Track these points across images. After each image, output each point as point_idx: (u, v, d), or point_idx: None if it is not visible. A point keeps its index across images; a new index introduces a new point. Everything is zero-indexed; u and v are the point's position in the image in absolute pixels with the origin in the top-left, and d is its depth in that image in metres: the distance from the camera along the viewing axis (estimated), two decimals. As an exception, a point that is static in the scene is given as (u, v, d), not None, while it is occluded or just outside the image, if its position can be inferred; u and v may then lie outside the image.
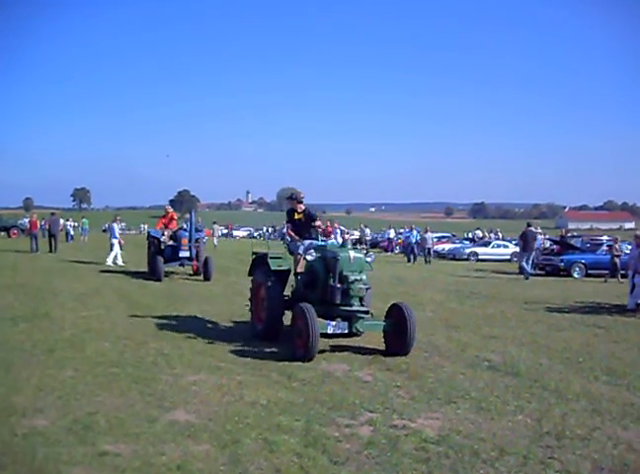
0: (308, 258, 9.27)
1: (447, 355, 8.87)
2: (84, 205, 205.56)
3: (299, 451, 5.08)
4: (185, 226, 20.45)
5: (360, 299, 8.88)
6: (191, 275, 20.34)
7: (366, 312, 8.78)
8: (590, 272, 25.65)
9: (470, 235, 52.79)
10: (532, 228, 25.36)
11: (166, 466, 4.72)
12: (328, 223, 30.49)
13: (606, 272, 24.66)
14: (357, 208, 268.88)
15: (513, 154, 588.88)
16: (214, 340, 9.58)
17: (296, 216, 10.43)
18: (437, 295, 16.65)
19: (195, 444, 5.19)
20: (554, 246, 30.19)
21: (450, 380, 7.51)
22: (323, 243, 10.20)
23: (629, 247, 21.68)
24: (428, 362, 8.34)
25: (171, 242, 19.61)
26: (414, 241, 33.04)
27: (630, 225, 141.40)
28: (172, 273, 20.29)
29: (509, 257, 35.53)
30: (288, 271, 9.93)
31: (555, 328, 11.70)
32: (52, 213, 33.98)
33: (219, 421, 5.80)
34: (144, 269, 20.55)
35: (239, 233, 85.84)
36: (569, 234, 39.12)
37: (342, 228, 34.65)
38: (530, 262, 24.15)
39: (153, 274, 18.83)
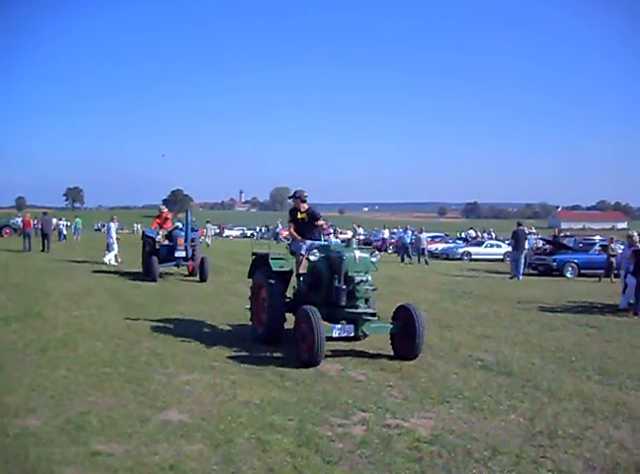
0: (312, 258, 8.96)
1: (440, 354, 8.88)
2: (77, 205, 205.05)
3: (292, 451, 5.08)
4: (180, 226, 20.18)
5: (366, 301, 8.66)
6: (186, 275, 20.04)
7: (373, 314, 8.56)
8: (582, 271, 25.75)
9: (463, 235, 52.89)
10: (523, 228, 25.49)
11: (159, 466, 4.71)
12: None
13: (599, 271, 24.78)
14: (350, 208, 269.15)
15: (506, 154, 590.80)
16: (208, 339, 9.56)
17: (299, 216, 10.07)
18: (430, 295, 16.67)
19: (188, 444, 5.19)
20: (547, 246, 30.29)
21: (443, 380, 7.52)
22: (326, 243, 9.88)
23: (621, 247, 21.74)
24: (421, 362, 8.34)
25: (166, 242, 19.30)
26: (408, 241, 33.07)
27: (623, 225, 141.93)
28: (167, 273, 20.07)
29: (502, 256, 35.60)
30: (290, 272, 9.59)
31: (548, 327, 11.73)
32: (45, 213, 33.86)
33: (212, 420, 5.79)
34: (138, 269, 20.42)
35: (232, 233, 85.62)
36: (562, 234, 39.21)
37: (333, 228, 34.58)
38: (522, 262, 24.17)
39: (148, 274, 18.52)
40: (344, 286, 8.39)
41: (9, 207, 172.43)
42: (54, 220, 45.65)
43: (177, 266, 19.45)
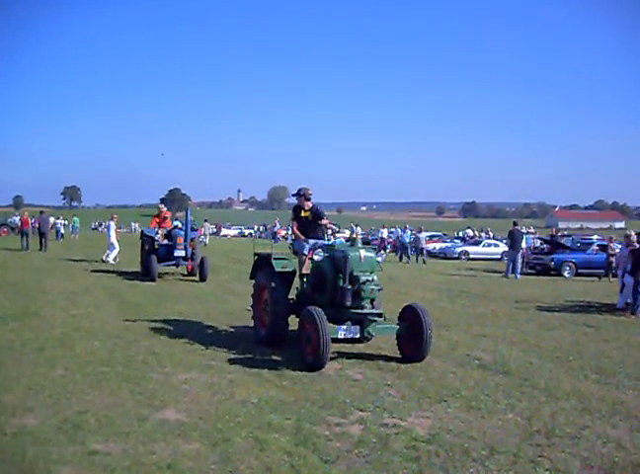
0: (316, 258, 8.72)
1: (438, 353, 8.87)
2: (74, 203, 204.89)
3: (290, 450, 5.08)
4: (180, 225, 19.99)
5: (371, 301, 8.38)
6: (185, 275, 19.86)
7: (380, 315, 8.34)
8: (580, 271, 25.77)
9: (461, 234, 52.93)
10: (519, 227, 25.68)
11: (156, 465, 4.71)
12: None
13: (596, 271, 24.85)
14: (348, 207, 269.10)
15: (504, 154, 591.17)
16: (205, 338, 9.56)
17: (303, 214, 9.81)
18: (428, 294, 16.68)
19: (185, 443, 5.18)
20: (545, 245, 30.33)
21: (441, 379, 7.52)
22: (330, 242, 9.68)
23: (619, 246, 21.78)
24: (417, 362, 8.34)
25: (165, 241, 19.05)
26: (407, 241, 33.08)
27: (620, 225, 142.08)
28: (166, 273, 19.86)
29: (499, 256, 35.64)
30: (293, 272, 9.36)
31: (545, 327, 11.74)
32: (42, 212, 33.80)
33: (210, 419, 5.79)
34: (136, 268, 20.29)
35: (230, 232, 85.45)
36: (559, 233, 39.30)
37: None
38: (519, 261, 24.26)
39: (147, 274, 18.26)
40: (349, 286, 8.18)
41: (6, 206, 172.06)
42: (52, 219, 45.66)
43: (176, 265, 19.14)
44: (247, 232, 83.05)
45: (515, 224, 25.22)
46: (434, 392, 6.91)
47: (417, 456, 5.03)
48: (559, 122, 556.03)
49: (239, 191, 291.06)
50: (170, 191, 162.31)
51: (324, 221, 9.79)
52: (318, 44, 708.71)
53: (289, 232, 63.04)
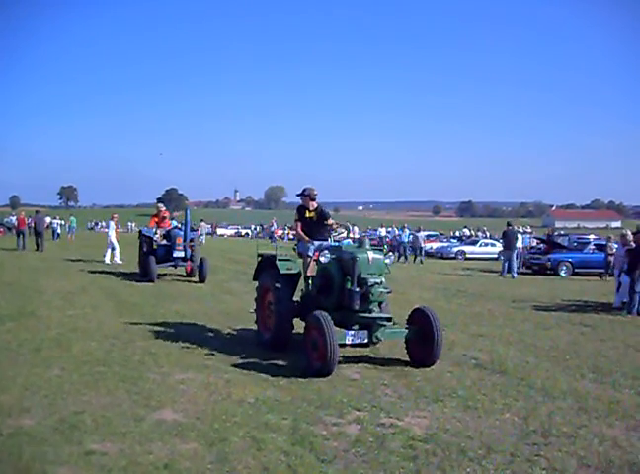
0: (322, 259, 8.40)
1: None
2: (71, 203, 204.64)
3: (287, 450, 5.08)
4: (179, 225, 19.75)
5: (379, 304, 8.14)
6: (184, 276, 19.49)
7: (389, 319, 7.96)
8: (577, 270, 25.81)
9: (458, 234, 52.96)
10: (513, 227, 25.92)
11: (153, 465, 4.70)
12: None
13: (593, 270, 24.94)
14: (345, 207, 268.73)
15: (500, 153, 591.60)
16: (202, 338, 9.55)
17: (308, 215, 9.53)
18: (424, 294, 16.69)
19: (182, 443, 5.18)
20: (541, 245, 30.38)
21: (438, 379, 7.52)
22: (336, 243, 9.42)
23: (615, 246, 21.82)
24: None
25: (164, 241, 18.65)
26: (406, 240, 33.10)
27: (617, 224, 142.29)
28: (164, 274, 19.57)
29: (496, 255, 35.66)
30: (299, 274, 9.11)
31: (542, 326, 11.76)
32: (37, 211, 33.79)
33: (207, 419, 5.78)
34: (134, 268, 20.13)
35: (227, 231, 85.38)
36: (556, 233, 39.34)
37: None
38: (514, 260, 24.42)
39: (145, 275, 17.93)
40: (357, 289, 7.90)
41: (3, 206, 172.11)
42: (48, 219, 45.58)
43: (175, 266, 18.84)
44: (244, 232, 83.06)
45: (508, 224, 25.60)
46: (430, 392, 6.91)
47: (414, 456, 5.03)
48: (556, 122, 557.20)
49: (236, 190, 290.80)
50: (167, 190, 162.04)
51: (330, 222, 9.55)
52: (315, 44, 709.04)
53: (285, 232, 62.84)
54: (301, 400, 6.46)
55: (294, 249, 9.73)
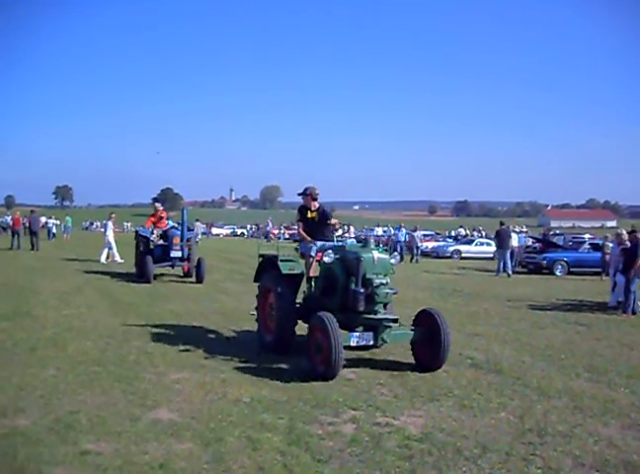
0: (326, 259, 8.21)
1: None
2: (66, 203, 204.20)
3: (283, 449, 5.08)
4: (176, 225, 19.54)
5: (384, 305, 7.99)
6: (181, 276, 19.22)
7: (395, 320, 7.73)
8: (572, 270, 25.87)
9: (453, 233, 53.01)
10: (506, 226, 26.17)
11: (148, 465, 4.69)
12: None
13: (588, 269, 25.03)
14: (340, 206, 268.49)
15: (496, 153, 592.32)
16: (198, 338, 9.55)
17: (309, 215, 9.38)
18: (420, 293, 16.71)
19: (177, 443, 5.17)
20: (537, 244, 30.45)
21: (433, 378, 7.53)
22: (340, 243, 9.21)
23: (611, 245, 21.88)
24: (410, 360, 8.34)
25: (161, 241, 18.42)
26: (402, 240, 33.13)
27: (612, 224, 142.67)
28: (161, 274, 19.32)
29: (492, 255, 35.69)
30: (301, 275, 8.92)
31: (538, 326, 11.78)
32: (32, 211, 33.78)
33: (202, 419, 5.78)
34: (129, 268, 20.00)
35: (222, 231, 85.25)
36: (551, 232, 39.41)
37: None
38: (508, 259, 24.59)
39: (141, 275, 17.75)
40: (362, 290, 7.69)
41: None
42: (43, 219, 45.54)
43: (172, 266, 18.60)
44: (240, 232, 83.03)
45: (501, 224, 25.87)
46: (426, 391, 6.92)
47: (409, 455, 5.03)
48: (551, 122, 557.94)
49: (231, 190, 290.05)
50: (162, 190, 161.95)
51: (333, 221, 9.44)
52: (312, 44, 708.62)
53: (281, 231, 62.74)
54: (297, 400, 6.45)
55: (297, 249, 9.56)
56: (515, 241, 27.97)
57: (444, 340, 7.69)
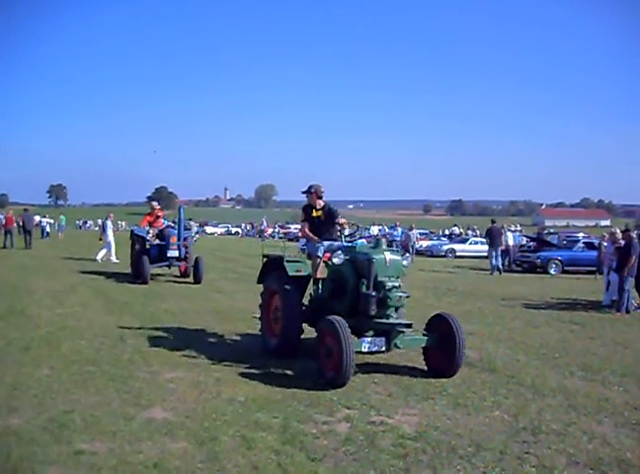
0: (335, 261, 7.83)
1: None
2: (60, 202, 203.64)
3: (277, 448, 5.08)
4: (172, 224, 19.29)
5: (395, 310, 7.59)
6: (178, 276, 18.82)
7: (409, 325, 7.40)
8: (566, 268, 25.92)
9: (448, 232, 53.08)
10: (497, 225, 26.35)
11: (143, 464, 4.69)
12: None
13: (582, 268, 25.10)
14: (335, 205, 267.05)
15: (490, 152, 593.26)
16: (192, 337, 9.53)
17: (315, 214, 9.01)
18: (414, 292, 16.61)
19: (172, 442, 5.16)
20: (531, 243, 30.52)
21: (427, 377, 7.53)
22: (349, 244, 8.70)
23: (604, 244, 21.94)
24: (404, 359, 8.35)
25: (157, 241, 17.93)
26: (398, 239, 33.14)
27: (606, 222, 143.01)
28: (158, 274, 18.82)
29: (486, 253, 35.75)
30: (308, 277, 8.59)
31: (532, 324, 11.80)
32: (25, 209, 33.70)
33: (197, 418, 5.77)
34: (125, 269, 19.64)
35: (217, 230, 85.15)
36: (545, 231, 39.50)
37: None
38: (499, 257, 24.77)
39: (138, 276, 17.24)
40: (373, 293, 7.29)
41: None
42: (37, 217, 45.42)
43: (169, 266, 18.16)
44: (234, 230, 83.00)
45: (493, 222, 25.93)
46: (420, 390, 6.93)
47: (404, 454, 5.03)
48: (546, 121, 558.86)
49: (226, 189, 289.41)
50: (156, 189, 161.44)
51: (341, 220, 9.00)
52: (309, 44, 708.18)
53: (276, 230, 62.54)
54: (291, 399, 6.45)
55: (303, 250, 9.15)
56: (510, 240, 28.06)
57: (460, 345, 7.38)
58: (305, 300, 8.79)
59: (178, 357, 8.15)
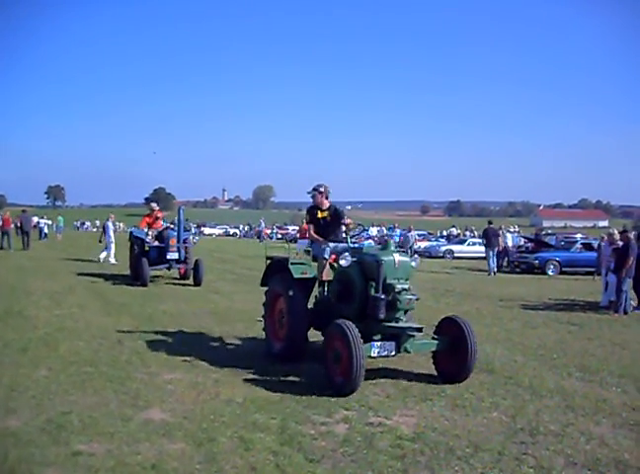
0: (342, 263, 7.60)
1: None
2: (58, 203, 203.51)
3: (275, 449, 5.08)
4: (172, 225, 19.10)
5: (405, 312, 7.41)
6: (177, 278, 18.58)
7: (419, 329, 7.11)
8: (564, 269, 25.94)
9: (446, 233, 53.09)
10: (493, 226, 26.37)
11: (141, 465, 4.69)
12: (304, 221, 30.48)
13: (580, 269, 25.15)
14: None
15: (488, 153, 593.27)
16: (190, 338, 9.54)
17: (320, 215, 8.81)
18: (413, 293, 16.67)
19: (170, 443, 5.16)
20: (529, 244, 30.55)
21: (426, 378, 7.54)
22: (355, 245, 8.45)
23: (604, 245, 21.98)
24: (403, 360, 8.35)
25: (156, 243, 17.71)
26: (397, 240, 33.16)
27: (604, 223, 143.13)
28: (157, 276, 18.56)
29: (484, 254, 35.79)
30: (314, 279, 8.34)
31: (530, 325, 11.81)
32: (23, 210, 33.71)
33: (195, 419, 5.77)
34: (124, 271, 19.55)
35: (215, 231, 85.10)
36: (543, 232, 39.54)
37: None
38: (495, 258, 24.88)
39: (137, 278, 17.04)
40: (382, 296, 7.08)
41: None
42: (35, 218, 45.40)
43: (169, 268, 17.91)
44: (232, 231, 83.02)
45: (489, 223, 26.09)
46: (418, 391, 6.93)
47: (402, 455, 5.04)
48: (544, 121, 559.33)
49: (224, 190, 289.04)
50: (155, 190, 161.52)
51: (347, 221, 8.78)
52: (306, 43, 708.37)
53: (273, 231, 62.43)
54: (290, 400, 6.45)
55: (307, 252, 8.91)
56: (509, 241, 28.09)
57: (472, 349, 7.19)
58: (309, 302, 8.62)
59: (176, 359, 8.14)
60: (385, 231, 36.02)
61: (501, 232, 27.47)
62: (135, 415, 5.85)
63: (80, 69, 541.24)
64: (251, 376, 7.35)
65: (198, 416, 5.87)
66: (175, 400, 6.36)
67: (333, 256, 8.31)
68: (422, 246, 40.49)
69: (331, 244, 8.45)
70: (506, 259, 28.30)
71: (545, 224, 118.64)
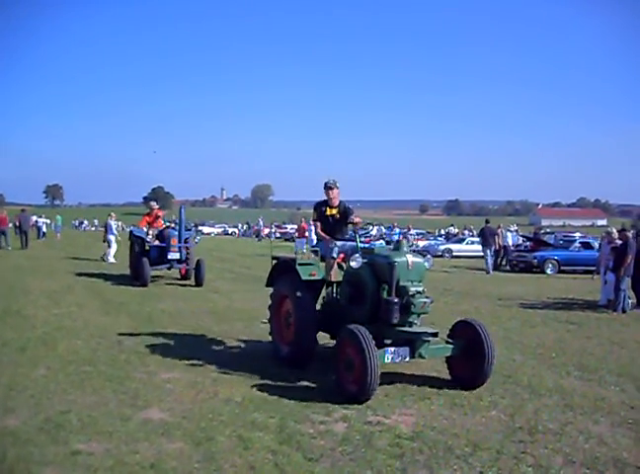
0: (353, 264, 7.24)
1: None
2: (57, 202, 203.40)
3: (274, 448, 5.08)
4: (172, 225, 18.92)
5: (418, 316, 7.06)
6: (178, 279, 18.37)
7: (435, 334, 6.77)
8: (563, 268, 25.93)
9: (444, 232, 53.08)
10: (490, 225, 26.43)
11: (139, 465, 4.68)
12: (303, 220, 30.46)
13: (579, 268, 25.17)
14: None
15: (487, 152, 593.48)
16: (189, 337, 9.53)
17: (329, 212, 8.45)
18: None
19: (168, 442, 5.16)
20: (527, 243, 30.56)
21: (424, 377, 7.54)
22: (365, 245, 8.15)
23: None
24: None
25: (157, 242, 17.46)
26: (396, 239, 33.17)
27: (602, 222, 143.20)
28: (158, 276, 18.30)
29: (482, 253, 35.80)
30: (322, 280, 8.03)
31: (528, 324, 11.81)
32: (22, 210, 33.65)
33: (193, 418, 5.77)
34: (123, 270, 19.42)
35: (214, 230, 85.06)
36: (542, 231, 39.54)
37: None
38: (492, 257, 24.91)
39: (137, 278, 16.80)
40: (396, 300, 6.77)
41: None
42: (33, 217, 45.33)
43: (169, 268, 17.58)
44: (231, 230, 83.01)
45: (487, 222, 26.04)
46: (417, 390, 6.93)
47: (401, 453, 5.04)
48: (543, 120, 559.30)
49: (222, 189, 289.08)
50: (153, 189, 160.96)
51: (356, 219, 8.18)
52: (305, 43, 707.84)
53: (272, 230, 62.42)
54: (288, 399, 6.45)
55: (315, 251, 8.63)
56: (508, 240, 28.10)
57: (489, 354, 6.87)
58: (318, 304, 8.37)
59: (174, 358, 8.14)
60: (384, 231, 35.95)
61: (500, 231, 27.45)
62: (134, 414, 5.85)
63: (80, 69, 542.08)
64: (249, 375, 7.34)
65: (196, 415, 5.87)
66: (173, 399, 6.36)
67: (341, 255, 8.10)
68: (421, 245, 40.51)
69: (339, 243, 8.21)
70: (505, 257, 28.28)
71: (544, 223, 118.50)
